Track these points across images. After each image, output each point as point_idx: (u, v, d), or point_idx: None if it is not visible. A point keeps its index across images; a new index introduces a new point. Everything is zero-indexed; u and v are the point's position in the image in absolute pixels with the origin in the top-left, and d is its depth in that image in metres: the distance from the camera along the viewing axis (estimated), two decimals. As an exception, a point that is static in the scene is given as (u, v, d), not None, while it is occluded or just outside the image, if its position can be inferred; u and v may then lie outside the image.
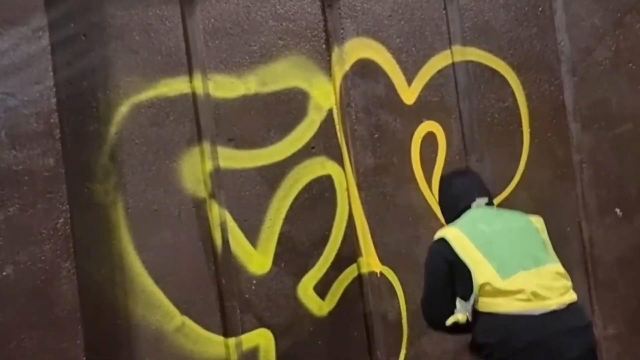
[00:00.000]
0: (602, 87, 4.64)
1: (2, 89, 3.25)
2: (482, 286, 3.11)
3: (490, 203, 3.46)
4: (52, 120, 3.29)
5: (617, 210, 4.60)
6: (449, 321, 3.21)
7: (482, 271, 3.13)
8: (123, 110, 3.69)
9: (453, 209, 3.42)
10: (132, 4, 3.73)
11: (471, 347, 3.25)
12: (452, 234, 3.25)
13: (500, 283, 3.10)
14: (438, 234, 3.31)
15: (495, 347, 3.10)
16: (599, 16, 4.67)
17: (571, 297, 3.21)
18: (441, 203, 3.60)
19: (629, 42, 4.71)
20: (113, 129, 3.66)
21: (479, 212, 3.37)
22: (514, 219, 3.41)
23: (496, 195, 4.41)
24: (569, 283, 3.26)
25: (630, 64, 4.70)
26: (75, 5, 3.61)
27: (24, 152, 3.23)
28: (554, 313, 3.10)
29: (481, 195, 3.43)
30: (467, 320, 3.20)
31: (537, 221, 3.45)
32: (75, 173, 3.51)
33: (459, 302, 3.21)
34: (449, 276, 3.21)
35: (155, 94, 3.76)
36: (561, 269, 3.26)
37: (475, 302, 3.16)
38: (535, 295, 3.10)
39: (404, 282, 4.19)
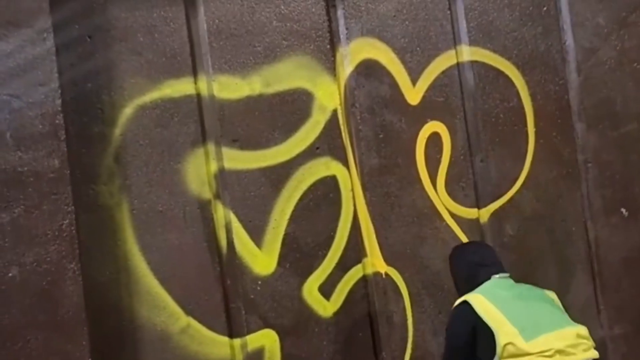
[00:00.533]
0: (607, 86, 4.63)
1: (7, 91, 3.25)
2: (505, 347, 3.17)
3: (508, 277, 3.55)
4: (57, 122, 3.29)
5: (623, 210, 4.59)
6: None
7: (505, 332, 3.19)
8: (128, 111, 3.69)
9: (472, 279, 3.50)
10: (137, 5, 3.73)
11: None
12: (475, 298, 3.34)
13: (523, 344, 3.17)
14: (460, 300, 3.40)
15: None
16: (604, 16, 4.66)
17: (594, 354, 3.26)
18: (458, 273, 3.65)
19: (634, 42, 4.70)
20: (118, 131, 3.66)
21: (498, 281, 3.47)
22: (530, 288, 3.53)
23: (501, 195, 4.41)
24: (591, 343, 3.31)
25: (635, 64, 4.70)
26: (79, 7, 3.61)
27: (29, 153, 3.23)
28: None
29: (501, 269, 3.55)
30: None
31: (551, 294, 3.56)
32: (80, 174, 3.51)
33: None
34: (470, 339, 3.29)
35: (159, 95, 3.76)
36: (582, 331, 3.31)
37: None
38: (561, 352, 3.16)
39: (409, 282, 4.19)
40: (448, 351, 3.41)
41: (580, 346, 3.24)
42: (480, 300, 3.32)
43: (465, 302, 3.35)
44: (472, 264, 3.56)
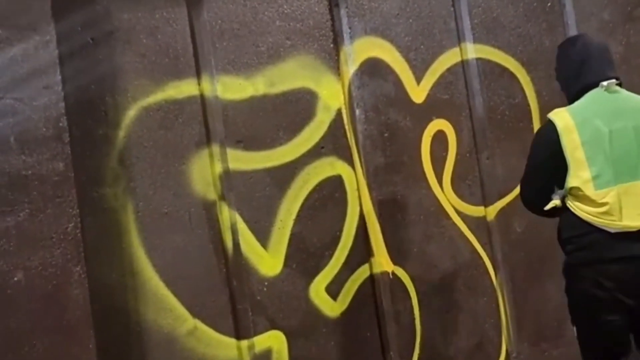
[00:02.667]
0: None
1: (11, 95, 3.23)
2: (572, 188, 3.17)
3: (619, 84, 3.26)
4: (61, 125, 3.27)
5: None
6: (548, 206, 3.27)
7: (579, 174, 3.15)
8: (131, 113, 3.68)
9: (575, 82, 3.27)
10: (139, 7, 3.72)
11: (558, 237, 3.34)
12: (564, 121, 3.18)
13: (591, 192, 3.13)
14: (551, 114, 3.26)
15: (577, 242, 3.20)
16: (608, 11, 4.65)
17: None
18: (562, 71, 3.39)
19: (639, 36, 4.68)
20: (122, 133, 3.65)
21: (603, 99, 3.20)
22: (636, 117, 3.18)
23: (508, 192, 4.40)
24: None
25: (641, 58, 4.68)
26: (82, 10, 3.60)
27: (33, 156, 3.22)
28: (628, 234, 3.12)
29: (612, 73, 3.24)
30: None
31: None
32: (85, 177, 3.50)
33: (556, 189, 3.26)
34: (550, 163, 3.22)
35: (163, 96, 3.74)
36: None
37: (566, 195, 3.23)
38: (618, 211, 3.11)
39: (416, 281, 4.18)
40: (529, 169, 3.36)
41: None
42: (569, 128, 3.16)
43: (551, 124, 3.21)
44: (579, 63, 3.26)
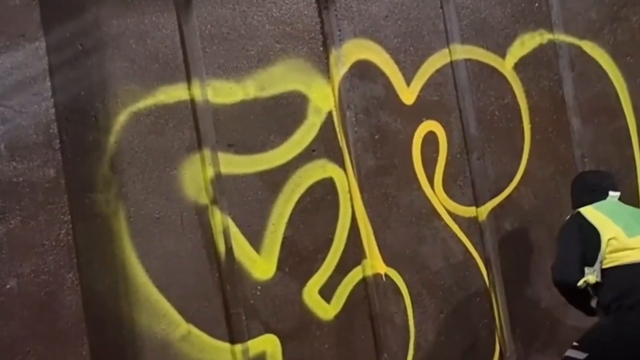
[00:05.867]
0: (601, 81, 4.64)
1: (1, 102, 3.21)
2: (609, 241, 3.56)
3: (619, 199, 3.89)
4: (51, 131, 3.26)
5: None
6: (581, 281, 3.56)
7: (609, 229, 3.59)
8: (122, 119, 3.67)
9: (584, 198, 3.84)
10: (128, 12, 3.71)
11: (598, 312, 3.63)
12: (585, 209, 3.73)
13: (626, 239, 3.56)
14: (573, 213, 3.80)
15: (622, 296, 3.48)
16: (595, 10, 4.68)
17: None
18: (577, 198, 3.94)
19: (626, 36, 4.72)
20: (112, 138, 3.64)
21: (607, 200, 3.82)
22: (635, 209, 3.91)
23: (499, 192, 4.41)
24: None
25: (628, 57, 4.71)
26: (71, 17, 3.58)
27: (24, 163, 3.20)
28: None
29: (615, 189, 3.90)
30: (596, 284, 3.55)
31: None
32: (76, 183, 3.48)
33: (586, 268, 3.57)
34: (579, 238, 3.63)
35: (153, 101, 3.73)
36: None
37: (602, 260, 3.54)
38: None
39: (409, 283, 4.18)
40: (560, 248, 3.72)
41: None
42: (590, 210, 3.71)
43: (577, 212, 3.74)
44: (592, 185, 3.89)
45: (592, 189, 3.87)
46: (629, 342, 3.42)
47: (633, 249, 3.55)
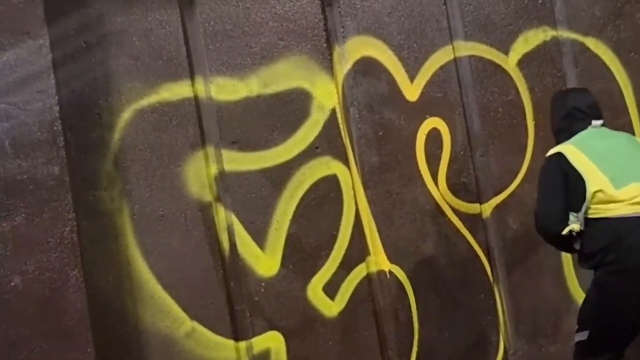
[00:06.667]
0: (605, 77, 4.63)
1: (5, 99, 3.23)
2: (595, 194, 3.34)
3: (603, 124, 3.62)
4: (55, 129, 3.27)
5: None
6: (565, 230, 3.40)
7: (596, 180, 3.36)
8: (126, 116, 3.67)
9: (569, 127, 3.58)
10: (132, 9, 3.71)
11: (580, 259, 3.51)
12: (567, 148, 3.47)
13: (613, 191, 3.34)
14: (553, 150, 3.53)
15: (605, 252, 3.33)
16: (599, 6, 4.67)
17: None
18: (556, 121, 3.69)
19: (630, 32, 4.70)
20: (116, 136, 3.64)
21: (592, 131, 3.56)
22: (624, 136, 3.66)
23: (502, 189, 4.40)
24: None
25: (632, 54, 4.70)
26: (75, 14, 3.59)
27: (28, 161, 3.21)
28: None
29: (598, 116, 3.60)
30: (580, 231, 3.39)
31: None
32: (80, 181, 3.49)
33: (571, 215, 3.41)
34: (563, 185, 3.42)
35: (157, 99, 3.74)
36: None
37: (587, 210, 3.37)
38: None
39: (413, 279, 4.18)
40: (542, 197, 3.54)
41: None
42: (573, 151, 3.44)
43: (558, 153, 3.48)
44: (571, 109, 3.61)
45: (572, 114, 3.59)
46: (620, 307, 3.32)
47: (620, 201, 3.35)
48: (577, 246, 3.48)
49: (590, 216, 3.39)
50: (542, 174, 3.58)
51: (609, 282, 3.36)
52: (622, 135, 3.67)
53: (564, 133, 3.59)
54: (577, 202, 3.39)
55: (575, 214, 3.40)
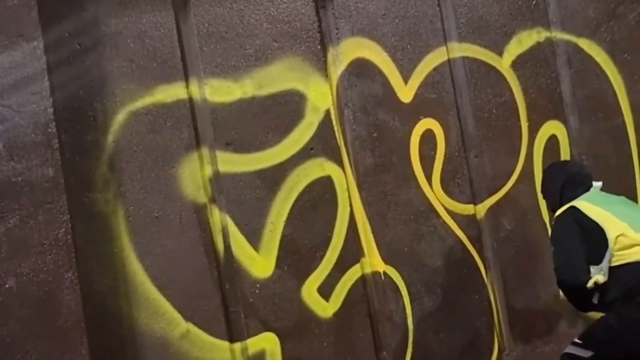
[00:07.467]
0: (599, 78, 4.64)
1: (-1, 102, 3.23)
2: (617, 238, 3.37)
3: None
4: (49, 130, 3.27)
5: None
6: (590, 283, 3.38)
7: (615, 226, 3.42)
8: (120, 118, 3.68)
9: (572, 190, 3.64)
10: (126, 11, 3.72)
11: (594, 308, 3.50)
12: (579, 203, 3.53)
13: (634, 235, 3.41)
14: (563, 207, 3.57)
15: (628, 295, 3.35)
16: (593, 8, 4.68)
17: None
18: (556, 187, 3.72)
19: (624, 33, 4.72)
20: (111, 138, 3.64)
21: (595, 191, 3.66)
22: (622, 198, 3.74)
23: (497, 190, 4.42)
24: None
25: (626, 55, 4.71)
26: (69, 16, 3.59)
27: (22, 163, 3.21)
28: None
29: (596, 180, 3.73)
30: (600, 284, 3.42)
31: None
32: (75, 183, 3.50)
33: (592, 268, 3.39)
34: (581, 236, 3.44)
35: (151, 100, 3.74)
36: None
37: (611, 258, 3.38)
38: None
39: (408, 280, 4.19)
40: (562, 250, 3.50)
41: None
42: (585, 204, 3.51)
43: (571, 207, 3.53)
44: (573, 175, 3.72)
45: (573, 179, 3.68)
46: (636, 340, 3.34)
47: None
48: (595, 300, 3.46)
49: (614, 264, 3.39)
50: (557, 228, 3.60)
51: (635, 315, 3.36)
52: (622, 196, 3.76)
53: (566, 196, 3.64)
54: (596, 254, 3.40)
55: (596, 267, 3.40)
